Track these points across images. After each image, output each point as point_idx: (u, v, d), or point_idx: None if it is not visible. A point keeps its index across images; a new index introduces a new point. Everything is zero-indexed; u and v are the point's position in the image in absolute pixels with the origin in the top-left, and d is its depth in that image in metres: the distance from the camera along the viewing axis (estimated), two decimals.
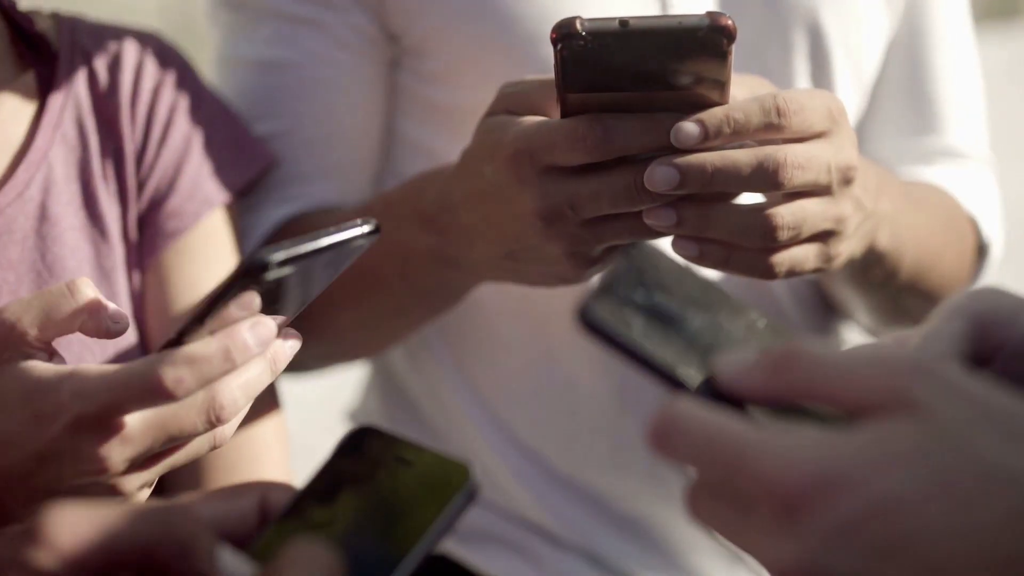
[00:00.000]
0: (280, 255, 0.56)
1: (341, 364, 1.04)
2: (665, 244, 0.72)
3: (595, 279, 0.76)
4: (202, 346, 0.59)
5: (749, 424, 0.42)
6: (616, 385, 0.97)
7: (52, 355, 0.64)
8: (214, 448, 0.64)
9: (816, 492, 0.39)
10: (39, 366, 0.62)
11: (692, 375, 0.46)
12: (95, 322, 0.63)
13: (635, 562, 1.01)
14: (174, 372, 0.58)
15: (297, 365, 1.02)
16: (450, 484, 0.47)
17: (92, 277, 0.81)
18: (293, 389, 1.67)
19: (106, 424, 0.60)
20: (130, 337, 0.82)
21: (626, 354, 0.46)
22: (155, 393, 0.58)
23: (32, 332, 0.63)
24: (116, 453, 0.61)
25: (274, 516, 0.48)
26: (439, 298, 0.90)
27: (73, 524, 0.42)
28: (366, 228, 0.60)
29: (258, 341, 0.60)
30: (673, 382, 0.46)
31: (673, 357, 0.47)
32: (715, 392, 0.45)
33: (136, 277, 0.84)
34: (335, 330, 0.95)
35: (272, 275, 0.56)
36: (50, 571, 0.42)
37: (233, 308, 0.59)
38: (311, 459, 0.56)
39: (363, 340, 0.99)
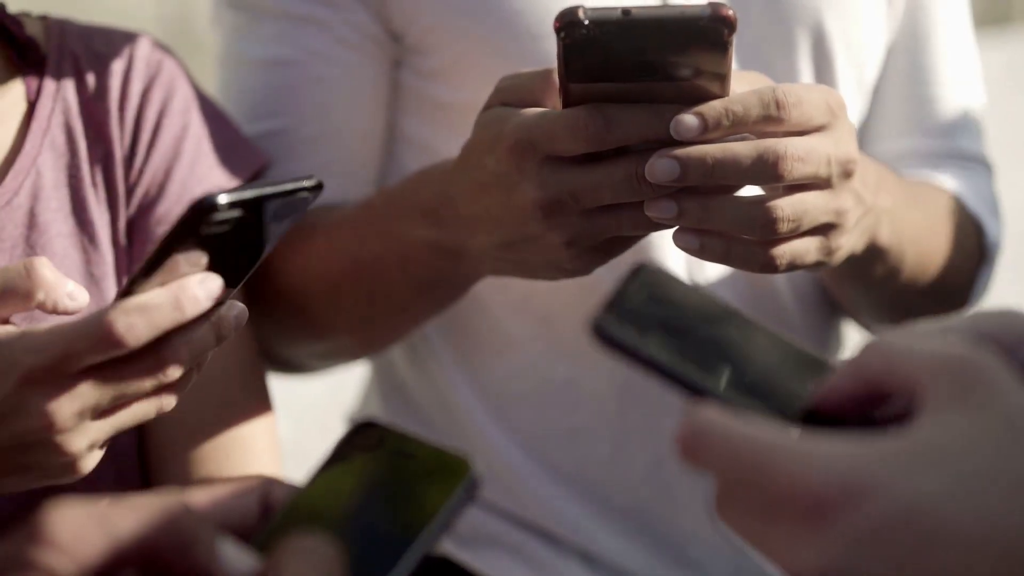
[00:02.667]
0: (227, 197, 0.57)
1: (342, 362, 1.04)
2: (667, 236, 0.73)
3: (606, 294, 0.77)
4: (153, 295, 0.61)
5: (776, 431, 0.42)
6: (619, 383, 0.97)
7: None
8: (160, 412, 0.65)
9: (842, 498, 0.39)
10: None
11: (709, 382, 0.47)
12: (51, 299, 0.64)
13: (634, 561, 1.01)
14: (126, 319, 0.60)
15: (297, 364, 1.02)
16: (452, 477, 0.47)
17: (81, 284, 0.80)
18: (293, 391, 1.67)
19: (55, 377, 0.61)
20: None
21: (645, 364, 0.47)
22: (107, 341, 0.60)
23: None
24: (64, 407, 0.62)
25: (277, 510, 0.48)
26: (440, 292, 0.90)
27: (75, 521, 0.42)
28: (309, 183, 0.62)
29: (207, 295, 0.62)
30: (694, 389, 0.46)
31: (692, 365, 0.47)
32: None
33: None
34: (335, 327, 0.95)
35: (219, 217, 0.57)
36: (55, 570, 0.42)
37: (183, 264, 0.60)
38: (310, 462, 0.56)
39: (364, 337, 0.99)
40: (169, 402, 0.65)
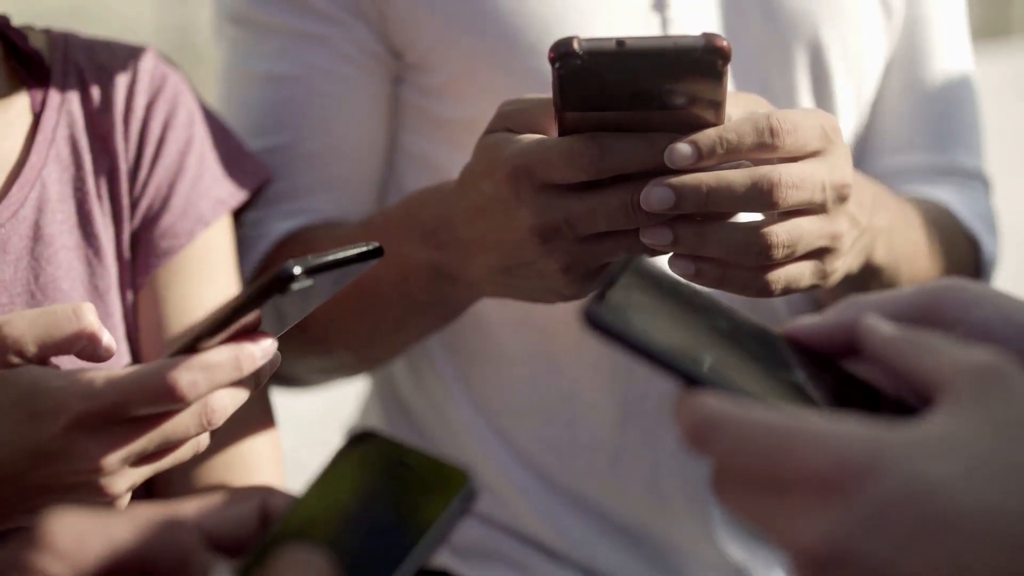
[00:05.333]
0: (304, 266, 0.59)
1: (341, 377, 1.04)
2: (662, 261, 0.73)
3: (597, 285, 0.77)
4: (215, 354, 0.62)
5: (786, 413, 0.43)
6: (617, 397, 0.97)
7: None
8: (196, 453, 0.67)
9: (855, 474, 0.40)
10: (38, 369, 0.64)
11: (706, 368, 0.47)
12: (92, 348, 0.65)
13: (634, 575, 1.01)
14: (190, 376, 0.61)
15: (297, 379, 1.03)
16: (449, 488, 0.47)
17: (86, 297, 0.81)
18: (293, 404, 1.67)
19: (105, 423, 0.62)
20: (123, 358, 0.82)
21: (638, 350, 0.47)
22: (169, 396, 0.61)
23: (32, 349, 0.65)
24: (112, 452, 0.63)
25: (274, 521, 0.49)
26: (438, 312, 0.91)
27: (74, 529, 0.43)
28: (371, 248, 0.64)
29: (263, 354, 0.64)
30: (688, 375, 0.47)
31: (685, 350, 0.47)
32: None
33: (130, 296, 0.84)
34: (335, 344, 0.96)
35: (297, 286, 0.59)
36: None
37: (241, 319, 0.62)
38: (310, 475, 0.56)
39: (363, 354, 0.99)
40: (205, 441, 0.67)
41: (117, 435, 0.63)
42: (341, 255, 0.62)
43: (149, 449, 0.64)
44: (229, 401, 0.64)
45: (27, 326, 0.64)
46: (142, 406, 0.62)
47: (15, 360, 0.65)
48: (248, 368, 0.63)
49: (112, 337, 0.66)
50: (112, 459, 0.63)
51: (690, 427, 0.44)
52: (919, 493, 0.40)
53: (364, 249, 0.64)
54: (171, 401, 0.61)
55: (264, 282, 0.59)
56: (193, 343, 0.62)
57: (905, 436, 0.41)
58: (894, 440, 0.41)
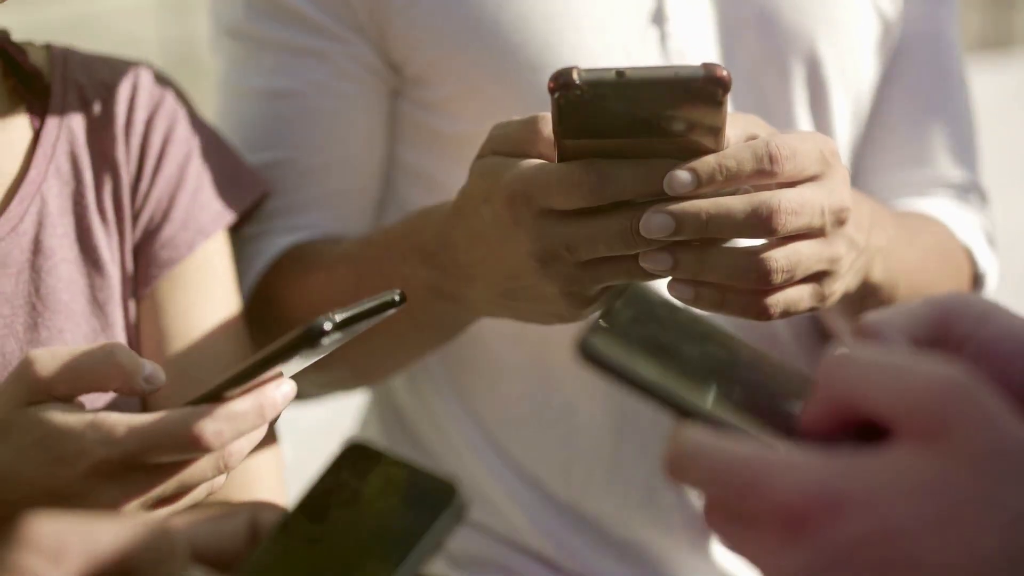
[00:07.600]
0: (334, 322, 0.60)
1: (341, 391, 1.05)
2: (661, 285, 0.73)
3: (594, 314, 0.77)
4: (239, 403, 0.63)
5: (758, 446, 0.43)
6: (614, 410, 0.97)
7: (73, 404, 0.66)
8: (211, 492, 0.67)
9: (822, 511, 0.40)
10: (60, 411, 0.64)
11: (695, 402, 0.47)
12: (130, 386, 0.65)
13: None
14: (215, 426, 0.62)
15: (298, 392, 1.03)
16: (439, 501, 0.47)
17: (86, 309, 0.82)
18: (294, 416, 1.67)
19: (126, 470, 0.63)
20: None
21: (630, 384, 0.47)
22: (195, 445, 0.62)
23: (61, 388, 0.65)
24: (131, 498, 0.63)
25: (265, 535, 0.49)
26: (438, 331, 0.91)
27: (59, 532, 0.43)
28: (396, 297, 0.66)
29: (284, 400, 0.65)
30: (679, 409, 0.47)
31: (676, 385, 0.47)
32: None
33: (132, 307, 0.85)
34: (333, 359, 0.96)
35: (327, 341, 0.60)
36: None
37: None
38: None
39: (363, 370, 1.00)
40: (220, 482, 0.67)
41: (136, 482, 0.63)
42: (368, 306, 0.64)
43: (166, 494, 0.65)
44: (246, 444, 0.65)
45: (57, 366, 0.64)
46: (164, 454, 0.63)
47: (43, 398, 0.65)
48: (271, 416, 0.64)
49: (156, 366, 0.66)
50: (131, 504, 0.64)
51: (669, 458, 0.44)
52: (885, 534, 0.39)
53: (388, 299, 0.65)
54: (196, 450, 0.62)
55: (294, 337, 0.60)
56: (218, 392, 0.63)
57: (871, 470, 0.41)
58: (860, 476, 0.41)
